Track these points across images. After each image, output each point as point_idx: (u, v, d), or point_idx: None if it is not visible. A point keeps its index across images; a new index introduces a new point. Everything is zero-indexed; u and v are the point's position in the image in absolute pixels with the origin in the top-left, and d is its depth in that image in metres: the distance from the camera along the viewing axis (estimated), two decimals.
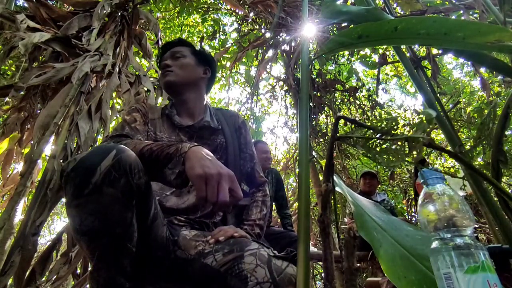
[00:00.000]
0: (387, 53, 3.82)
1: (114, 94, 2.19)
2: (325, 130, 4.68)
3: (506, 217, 0.62)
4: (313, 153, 4.61)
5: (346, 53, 4.66)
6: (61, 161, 1.61)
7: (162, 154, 0.70)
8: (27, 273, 1.36)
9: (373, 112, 4.58)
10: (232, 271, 0.69)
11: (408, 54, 1.18)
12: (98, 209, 0.59)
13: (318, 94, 4.18)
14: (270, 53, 3.67)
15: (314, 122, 4.49)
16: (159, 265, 0.78)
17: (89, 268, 0.66)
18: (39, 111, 2.04)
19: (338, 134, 0.63)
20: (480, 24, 0.56)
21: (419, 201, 0.55)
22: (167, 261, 0.78)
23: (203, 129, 1.05)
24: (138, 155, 0.68)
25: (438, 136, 4.98)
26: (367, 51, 4.35)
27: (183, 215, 0.92)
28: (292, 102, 4.65)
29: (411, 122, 0.54)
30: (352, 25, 0.68)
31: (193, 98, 1.09)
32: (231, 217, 1.02)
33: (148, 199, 0.71)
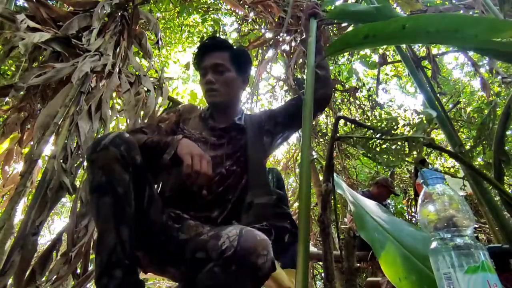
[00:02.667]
0: (387, 53, 3.82)
1: (114, 94, 2.18)
2: (325, 130, 4.67)
3: (506, 217, 0.62)
4: (313, 153, 4.61)
5: (346, 53, 4.66)
6: (61, 161, 1.61)
7: (162, 141, 0.89)
8: (27, 273, 1.36)
9: (373, 112, 4.58)
10: (214, 236, 0.79)
11: (408, 54, 1.18)
12: (105, 163, 0.76)
13: None
14: (270, 53, 3.67)
15: (314, 122, 4.49)
16: (164, 248, 0.87)
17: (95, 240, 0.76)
18: (39, 111, 2.04)
19: (338, 134, 0.63)
20: (494, 20, 0.53)
21: (419, 201, 0.55)
22: (171, 245, 0.87)
23: (232, 129, 1.10)
24: (144, 142, 0.90)
25: (438, 136, 4.97)
26: (367, 51, 4.35)
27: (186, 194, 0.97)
28: None
29: (411, 122, 0.54)
30: (352, 25, 0.67)
31: (232, 108, 1.14)
32: (246, 217, 0.98)
33: (142, 180, 0.84)
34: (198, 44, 1.22)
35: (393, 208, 3.37)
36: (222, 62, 1.08)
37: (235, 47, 1.16)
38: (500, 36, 0.44)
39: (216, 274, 0.72)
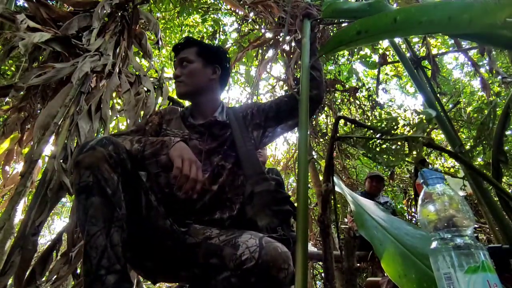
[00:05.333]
0: (387, 53, 3.82)
1: (114, 94, 2.18)
2: (325, 130, 4.67)
3: (506, 217, 0.62)
4: (313, 153, 4.60)
5: (346, 53, 4.66)
6: (61, 161, 1.61)
7: (158, 140, 0.89)
8: (27, 273, 1.36)
9: (373, 112, 4.58)
10: (229, 243, 0.78)
11: (408, 54, 1.18)
12: (92, 163, 0.73)
13: None
14: (270, 53, 3.67)
15: (314, 122, 4.49)
16: (173, 253, 0.86)
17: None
18: (39, 111, 2.04)
19: (338, 134, 0.63)
20: (486, 2, 0.52)
21: (419, 201, 0.55)
22: (179, 249, 0.85)
23: (213, 126, 1.09)
24: (138, 140, 0.89)
25: (438, 136, 4.97)
26: (367, 51, 4.35)
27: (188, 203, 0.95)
28: None
29: (411, 122, 0.54)
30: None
31: (205, 100, 1.14)
32: (251, 207, 0.94)
33: (135, 186, 0.83)
34: None
35: (393, 208, 3.35)
36: (186, 56, 1.12)
37: (204, 42, 1.20)
38: (493, 18, 0.43)
39: (232, 284, 0.71)
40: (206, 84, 1.13)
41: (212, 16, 5.00)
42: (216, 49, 1.19)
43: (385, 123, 0.56)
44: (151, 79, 2.30)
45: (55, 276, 1.43)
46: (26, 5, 2.27)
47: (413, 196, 3.94)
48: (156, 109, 2.14)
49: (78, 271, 1.52)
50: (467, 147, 0.55)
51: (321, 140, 4.63)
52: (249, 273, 0.69)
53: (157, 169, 0.87)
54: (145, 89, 2.15)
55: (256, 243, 0.73)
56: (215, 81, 1.16)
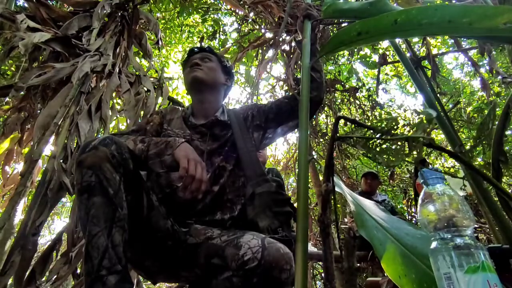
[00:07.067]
0: (387, 53, 3.82)
1: (114, 94, 2.18)
2: (325, 130, 4.67)
3: (506, 217, 0.62)
4: (313, 153, 4.60)
5: (346, 53, 4.66)
6: (61, 161, 1.61)
7: (162, 140, 0.90)
8: (27, 273, 1.36)
9: (373, 112, 4.58)
10: (231, 243, 0.78)
11: (408, 54, 1.18)
12: (94, 162, 0.73)
13: None
14: (270, 53, 3.67)
15: (314, 122, 4.49)
16: (173, 253, 0.86)
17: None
18: (39, 111, 2.04)
19: (338, 134, 0.63)
20: (486, 7, 0.52)
21: (419, 201, 0.55)
22: (180, 249, 0.86)
23: (214, 126, 1.10)
24: (141, 140, 0.90)
25: (438, 136, 4.97)
26: (367, 51, 4.35)
27: (190, 206, 0.95)
28: None
29: (411, 122, 0.54)
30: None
31: (211, 100, 1.17)
32: (252, 208, 0.94)
33: (137, 186, 0.83)
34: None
35: (391, 205, 3.36)
36: (209, 56, 1.19)
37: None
38: (493, 22, 0.43)
39: (234, 284, 0.71)
40: (219, 84, 1.19)
41: (212, 16, 5.00)
42: (231, 66, 1.28)
43: (385, 123, 0.56)
44: (151, 79, 2.30)
45: (55, 276, 1.43)
46: (26, 5, 2.28)
47: (413, 196, 3.94)
48: (156, 109, 2.14)
49: (78, 271, 1.52)
50: (467, 147, 0.55)
51: (321, 140, 4.63)
52: (251, 274, 0.69)
53: (161, 169, 0.87)
54: (145, 89, 2.15)
55: (258, 243, 0.73)
56: (223, 87, 1.22)
